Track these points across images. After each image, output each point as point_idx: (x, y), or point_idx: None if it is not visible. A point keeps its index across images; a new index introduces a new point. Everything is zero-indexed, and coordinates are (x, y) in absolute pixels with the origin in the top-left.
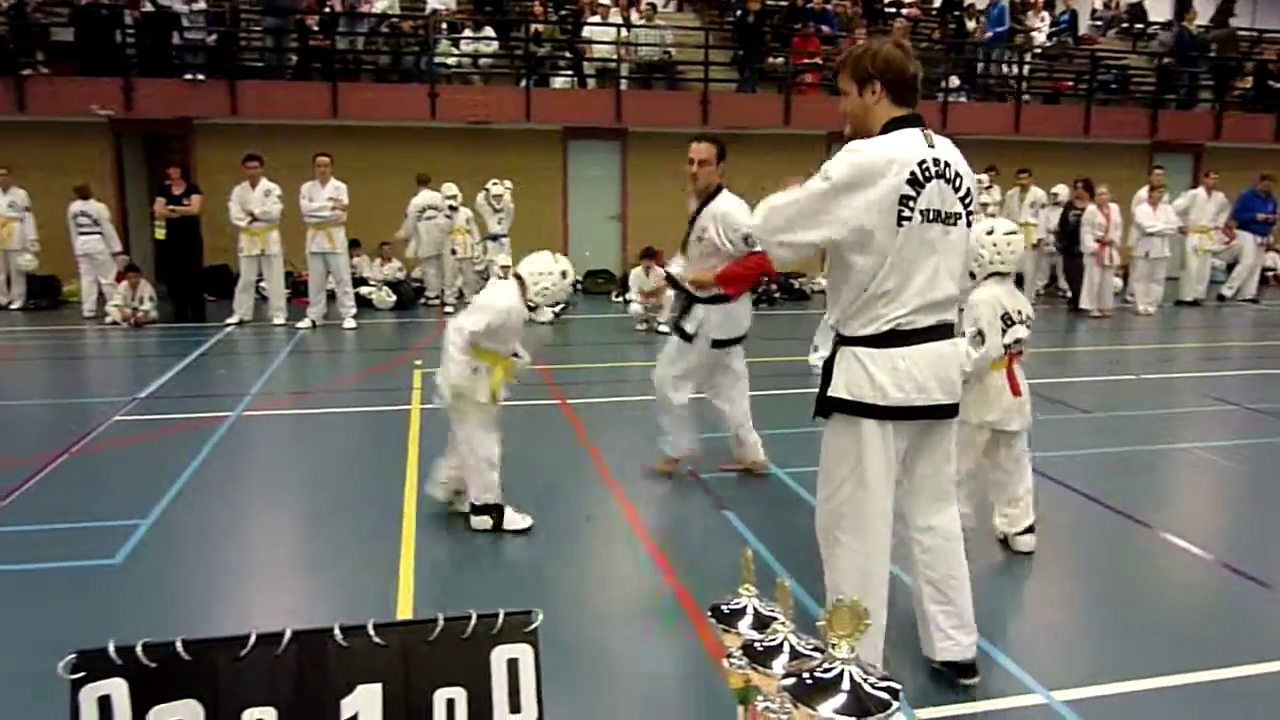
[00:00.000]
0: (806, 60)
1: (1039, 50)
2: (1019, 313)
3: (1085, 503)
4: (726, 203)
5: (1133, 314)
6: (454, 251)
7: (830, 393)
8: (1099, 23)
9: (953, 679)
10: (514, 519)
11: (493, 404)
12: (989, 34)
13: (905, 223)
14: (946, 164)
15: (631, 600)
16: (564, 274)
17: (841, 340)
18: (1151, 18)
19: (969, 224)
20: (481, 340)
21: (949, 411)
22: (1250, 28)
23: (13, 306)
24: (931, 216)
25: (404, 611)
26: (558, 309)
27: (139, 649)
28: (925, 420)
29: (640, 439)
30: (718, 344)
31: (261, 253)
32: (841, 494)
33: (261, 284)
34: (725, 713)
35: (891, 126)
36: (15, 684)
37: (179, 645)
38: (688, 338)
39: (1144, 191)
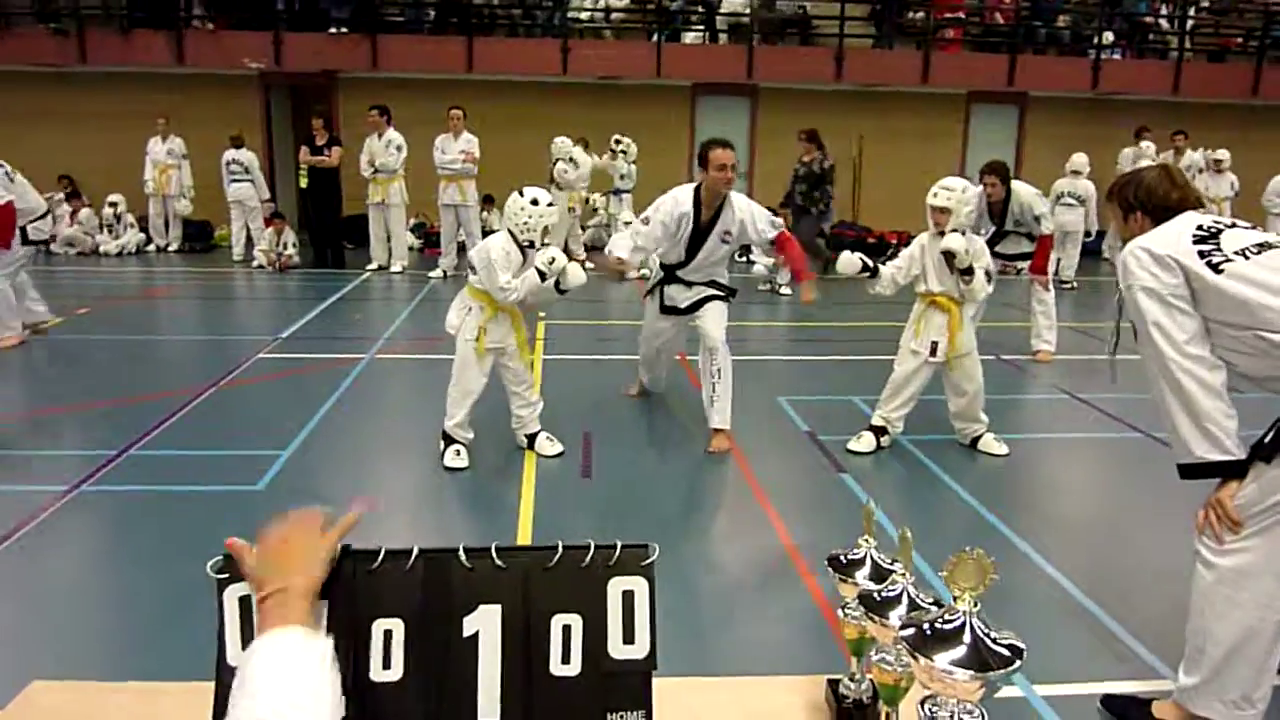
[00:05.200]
0: (948, 15)
1: (1205, 4)
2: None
3: None
4: (747, 200)
5: None
6: (571, 209)
7: None
8: None
9: None
10: (450, 458)
11: (475, 343)
12: None
13: (1224, 269)
14: (1232, 223)
15: (743, 549)
16: (534, 201)
17: None
18: None
19: None
20: (474, 280)
21: None
22: None
23: (170, 249)
24: (1255, 251)
25: (524, 541)
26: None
27: None
28: None
29: (761, 396)
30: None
31: (382, 201)
32: (1258, 548)
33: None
34: (834, 666)
35: None
36: (168, 590)
37: None
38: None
39: None
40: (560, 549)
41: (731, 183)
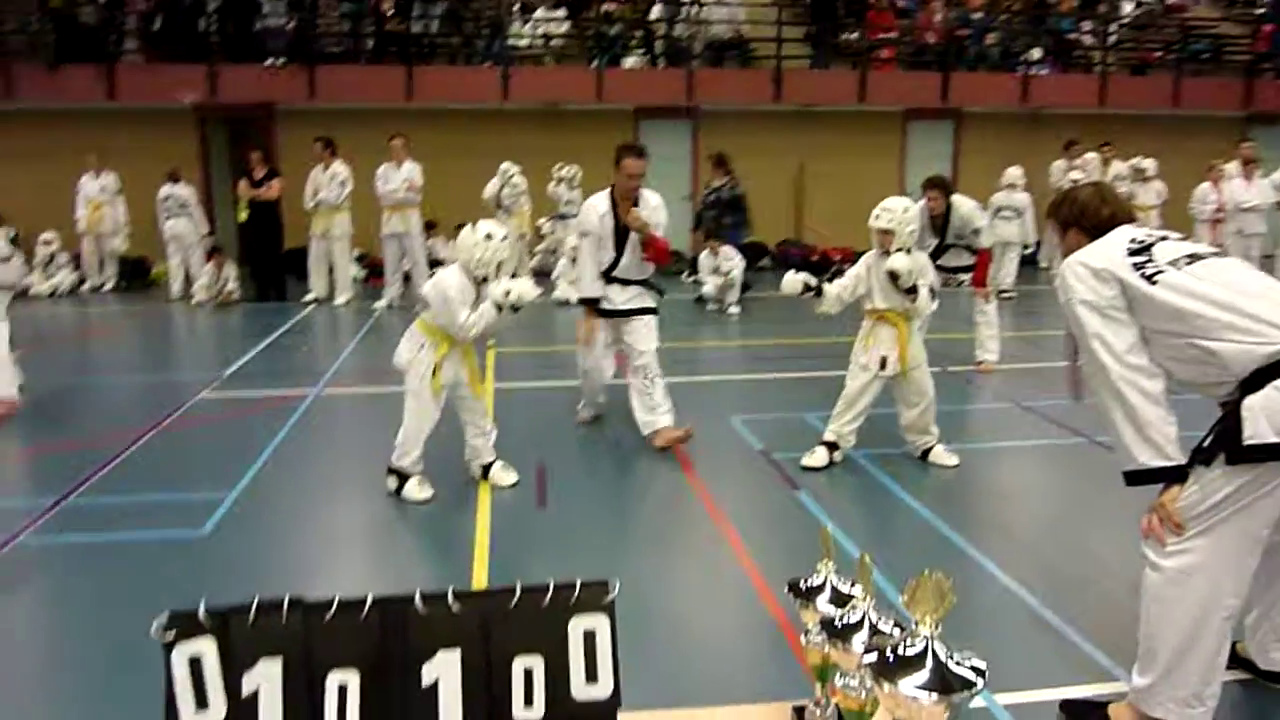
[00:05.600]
0: (882, 35)
1: (1126, 20)
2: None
3: None
4: (658, 198)
5: None
6: (522, 236)
7: (1251, 440)
8: None
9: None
10: (413, 490)
11: (431, 380)
12: None
13: (1158, 280)
14: (1164, 235)
15: (702, 573)
16: (488, 236)
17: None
18: None
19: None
20: (427, 316)
21: None
22: None
23: (105, 288)
24: (1186, 262)
25: (480, 582)
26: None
27: (227, 610)
28: None
29: (713, 417)
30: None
31: (324, 233)
32: (1202, 548)
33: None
34: (798, 689)
35: None
36: (113, 646)
37: (264, 607)
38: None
39: (1234, 166)
40: (519, 590)
41: (637, 190)
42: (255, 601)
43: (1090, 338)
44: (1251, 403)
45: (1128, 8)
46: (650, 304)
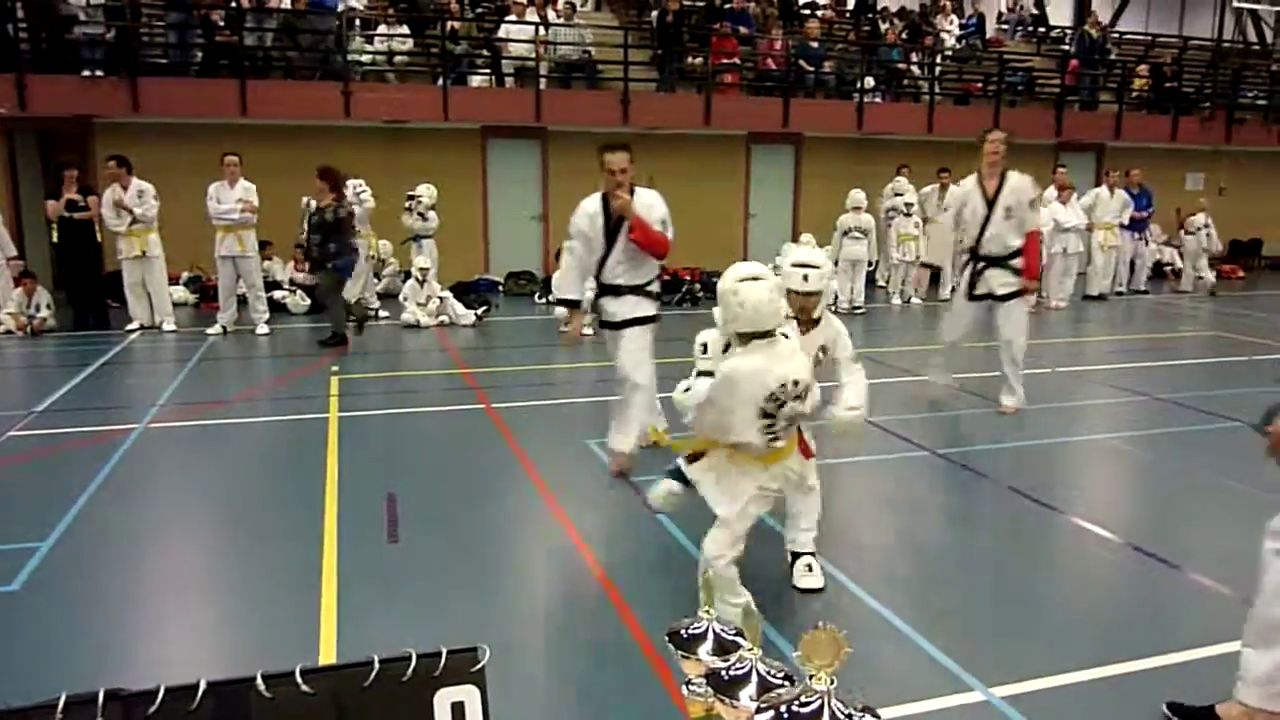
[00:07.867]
0: (725, 60)
1: (949, 53)
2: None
3: (1008, 494)
4: (650, 195)
5: (1044, 309)
6: (370, 257)
7: None
8: (1005, 26)
9: None
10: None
11: None
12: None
13: None
14: None
15: (568, 612)
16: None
17: None
18: (1053, 21)
19: None
20: None
21: None
22: (1144, 31)
23: None
24: None
25: (327, 642)
26: (480, 311)
27: (27, 710)
28: None
29: (569, 441)
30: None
31: (142, 254)
32: None
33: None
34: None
35: None
36: None
37: (74, 704)
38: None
39: (1052, 190)
40: (376, 664)
41: (622, 185)
42: (62, 698)
43: None
44: None
45: (950, 40)
46: (647, 312)
